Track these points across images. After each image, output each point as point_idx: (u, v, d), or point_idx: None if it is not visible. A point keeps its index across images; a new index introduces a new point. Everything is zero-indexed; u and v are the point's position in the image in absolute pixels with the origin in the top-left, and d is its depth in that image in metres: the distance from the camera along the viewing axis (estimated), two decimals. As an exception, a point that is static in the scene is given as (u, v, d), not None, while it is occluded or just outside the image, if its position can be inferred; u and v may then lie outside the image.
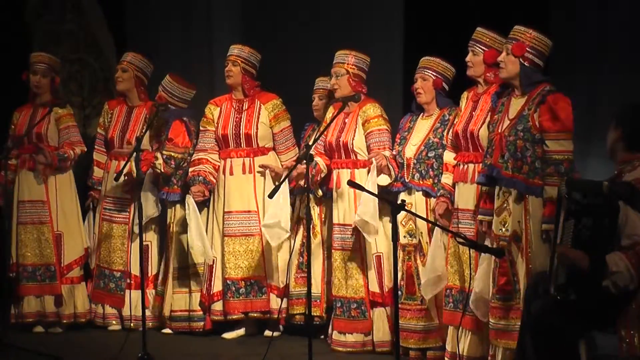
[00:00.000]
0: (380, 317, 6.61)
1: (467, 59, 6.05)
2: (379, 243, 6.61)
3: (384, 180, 6.43)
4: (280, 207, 6.87)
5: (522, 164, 5.55)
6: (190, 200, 7.15)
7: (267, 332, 7.17)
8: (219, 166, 7.27)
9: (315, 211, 6.96)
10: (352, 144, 6.66)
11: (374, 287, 6.61)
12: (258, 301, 7.18)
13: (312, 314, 6.84)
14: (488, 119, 5.90)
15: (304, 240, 6.88)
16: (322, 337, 7.03)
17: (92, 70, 8.89)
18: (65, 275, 7.53)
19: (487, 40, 6.00)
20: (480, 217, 5.81)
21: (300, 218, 7.05)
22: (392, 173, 6.43)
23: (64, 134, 7.55)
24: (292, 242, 7.09)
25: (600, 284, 4.62)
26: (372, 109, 6.66)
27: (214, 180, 7.24)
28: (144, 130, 7.19)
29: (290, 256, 7.05)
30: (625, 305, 4.69)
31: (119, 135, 7.55)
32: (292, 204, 7.16)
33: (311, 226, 6.89)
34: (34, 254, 7.49)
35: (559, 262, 4.72)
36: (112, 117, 7.64)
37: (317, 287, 6.92)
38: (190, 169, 7.25)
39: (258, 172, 7.16)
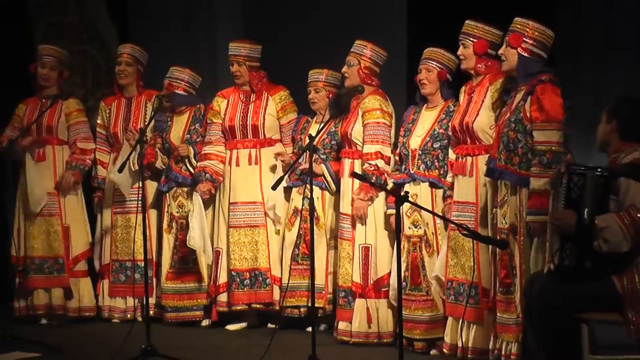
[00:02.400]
0: (359, 308, 6.61)
1: (459, 52, 6.09)
2: (368, 234, 6.61)
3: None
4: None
5: (514, 155, 5.57)
6: (197, 199, 7.16)
7: (270, 325, 7.18)
8: (224, 158, 7.27)
9: (319, 202, 6.97)
10: (351, 134, 6.67)
11: (357, 277, 6.61)
12: (262, 292, 7.19)
13: (316, 305, 6.88)
14: (483, 110, 5.93)
15: (301, 232, 6.94)
16: (322, 328, 7.05)
17: (95, 62, 8.89)
18: (73, 269, 7.54)
19: (477, 32, 6.03)
20: (494, 210, 5.82)
21: (297, 210, 7.05)
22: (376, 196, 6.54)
23: (74, 130, 7.56)
24: (294, 233, 7.10)
25: (591, 244, 4.68)
26: (372, 101, 6.65)
27: (221, 178, 7.26)
28: (147, 122, 7.22)
29: (282, 248, 7.09)
30: (619, 271, 4.75)
31: (122, 128, 7.54)
32: (288, 196, 7.17)
33: (315, 217, 6.93)
34: (43, 246, 7.50)
35: (551, 231, 4.78)
36: (111, 112, 7.64)
37: (320, 279, 6.92)
38: (198, 164, 7.26)
39: (269, 165, 7.15)
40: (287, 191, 7.19)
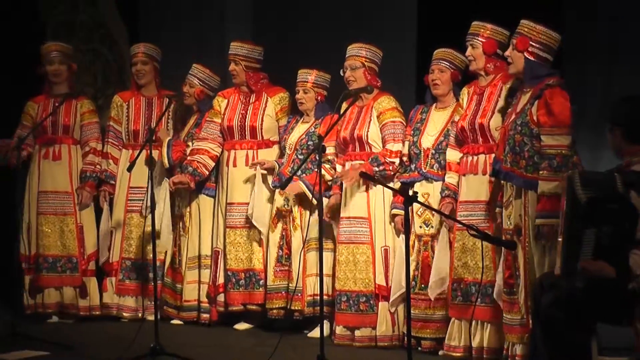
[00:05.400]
0: (383, 311, 6.59)
1: (467, 53, 6.09)
2: (387, 236, 6.60)
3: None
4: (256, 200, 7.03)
5: (520, 158, 5.58)
6: (165, 186, 7.18)
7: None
8: (216, 155, 7.29)
9: (295, 204, 6.98)
10: (367, 136, 6.65)
11: (381, 280, 6.59)
12: (256, 293, 7.18)
13: (293, 308, 6.92)
14: (498, 110, 5.93)
15: (283, 234, 6.99)
16: (305, 332, 7.00)
17: (106, 61, 8.89)
18: (87, 268, 7.58)
19: (485, 32, 6.03)
20: (497, 209, 5.83)
21: (280, 211, 7.05)
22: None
23: (86, 130, 7.59)
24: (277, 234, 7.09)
25: (624, 287, 4.60)
26: (387, 101, 6.66)
27: (206, 172, 7.26)
28: (158, 122, 7.27)
29: (268, 249, 7.09)
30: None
31: (143, 126, 7.55)
32: (271, 197, 7.16)
33: (291, 219, 6.97)
34: (56, 245, 7.51)
35: (582, 275, 4.68)
36: (129, 109, 7.64)
37: (299, 282, 6.90)
38: (188, 158, 7.27)
39: (250, 167, 7.16)
40: (271, 193, 7.18)
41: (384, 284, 6.57)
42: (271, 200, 7.15)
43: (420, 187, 6.33)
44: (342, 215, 6.72)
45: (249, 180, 7.20)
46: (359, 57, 6.71)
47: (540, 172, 5.50)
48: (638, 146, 4.89)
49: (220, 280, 7.29)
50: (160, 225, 7.12)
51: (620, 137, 4.92)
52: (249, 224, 7.17)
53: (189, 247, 7.44)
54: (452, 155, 6.21)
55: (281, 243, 7.05)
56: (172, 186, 7.20)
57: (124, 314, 7.58)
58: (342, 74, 6.77)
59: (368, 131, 6.66)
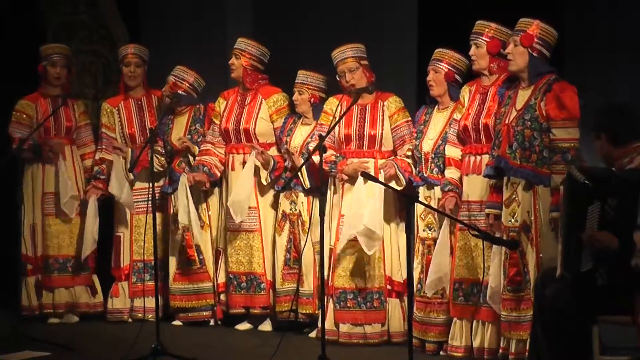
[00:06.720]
0: (396, 307, 6.60)
1: (471, 52, 6.09)
2: (399, 232, 6.60)
3: (394, 186, 6.40)
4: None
5: (531, 153, 5.60)
6: (184, 179, 7.14)
7: (262, 328, 7.21)
8: (224, 159, 7.28)
9: (303, 207, 6.98)
10: (382, 135, 6.65)
11: (397, 276, 6.60)
12: (257, 297, 7.18)
13: (304, 311, 6.93)
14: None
15: (291, 237, 7.00)
16: (306, 330, 7.00)
17: (106, 61, 8.88)
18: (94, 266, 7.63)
19: (489, 31, 6.04)
20: (487, 210, 5.83)
21: (286, 214, 7.05)
22: (402, 181, 6.45)
23: (83, 132, 7.67)
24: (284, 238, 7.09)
25: (628, 264, 4.63)
26: (398, 101, 6.70)
27: (218, 174, 7.25)
28: (157, 122, 7.25)
29: (274, 253, 7.09)
30: None
31: (139, 128, 7.56)
32: (276, 200, 7.17)
33: (300, 222, 6.97)
34: (66, 245, 7.53)
35: (589, 247, 4.72)
36: (120, 113, 7.63)
37: (309, 284, 6.92)
38: (197, 158, 7.26)
39: (249, 144, 7.13)
40: (275, 196, 7.18)
41: (400, 280, 6.58)
42: (276, 203, 7.15)
43: (422, 192, 6.34)
44: (342, 212, 6.67)
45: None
46: (352, 58, 6.69)
47: (554, 166, 5.53)
48: (625, 148, 4.96)
49: (220, 280, 7.30)
50: (188, 221, 7.14)
51: (606, 142, 5.00)
52: (248, 228, 7.16)
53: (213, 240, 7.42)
54: (453, 151, 6.20)
55: (289, 246, 7.04)
56: (192, 181, 7.14)
57: (140, 315, 7.51)
58: (338, 79, 6.75)
59: (382, 130, 6.66)
